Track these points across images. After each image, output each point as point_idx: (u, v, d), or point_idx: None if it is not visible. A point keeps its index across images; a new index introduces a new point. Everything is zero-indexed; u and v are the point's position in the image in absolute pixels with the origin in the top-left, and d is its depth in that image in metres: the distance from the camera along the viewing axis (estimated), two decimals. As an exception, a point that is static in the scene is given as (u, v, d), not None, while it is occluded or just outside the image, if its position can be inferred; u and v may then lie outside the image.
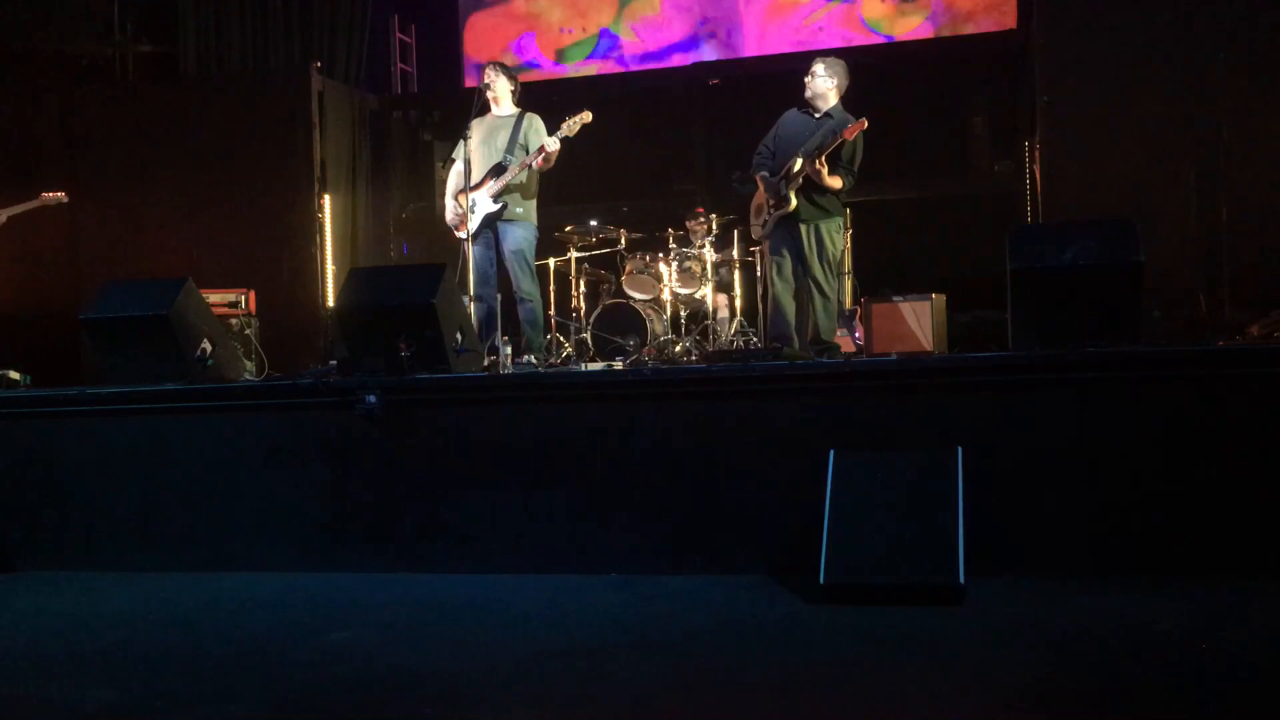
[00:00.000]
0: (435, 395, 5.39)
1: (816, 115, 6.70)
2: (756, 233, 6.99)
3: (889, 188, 9.16)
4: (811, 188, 6.56)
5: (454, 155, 7.04)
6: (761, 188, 6.78)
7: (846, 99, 6.77)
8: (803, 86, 6.74)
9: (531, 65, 10.92)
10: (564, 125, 6.89)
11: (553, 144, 6.85)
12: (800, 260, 6.67)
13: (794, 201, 6.55)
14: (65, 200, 7.96)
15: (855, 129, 6.41)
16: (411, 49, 11.42)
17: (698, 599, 4.56)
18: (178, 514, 5.57)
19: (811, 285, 6.64)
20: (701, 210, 8.69)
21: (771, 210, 6.68)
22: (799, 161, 6.51)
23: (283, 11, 10.64)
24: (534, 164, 6.88)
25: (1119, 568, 4.54)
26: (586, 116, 6.89)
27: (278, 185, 9.58)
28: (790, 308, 6.72)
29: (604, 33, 10.89)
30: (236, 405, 5.63)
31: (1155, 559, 4.52)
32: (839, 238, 6.81)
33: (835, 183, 6.50)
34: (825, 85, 6.69)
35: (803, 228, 6.61)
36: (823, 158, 6.40)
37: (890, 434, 4.84)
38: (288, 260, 9.53)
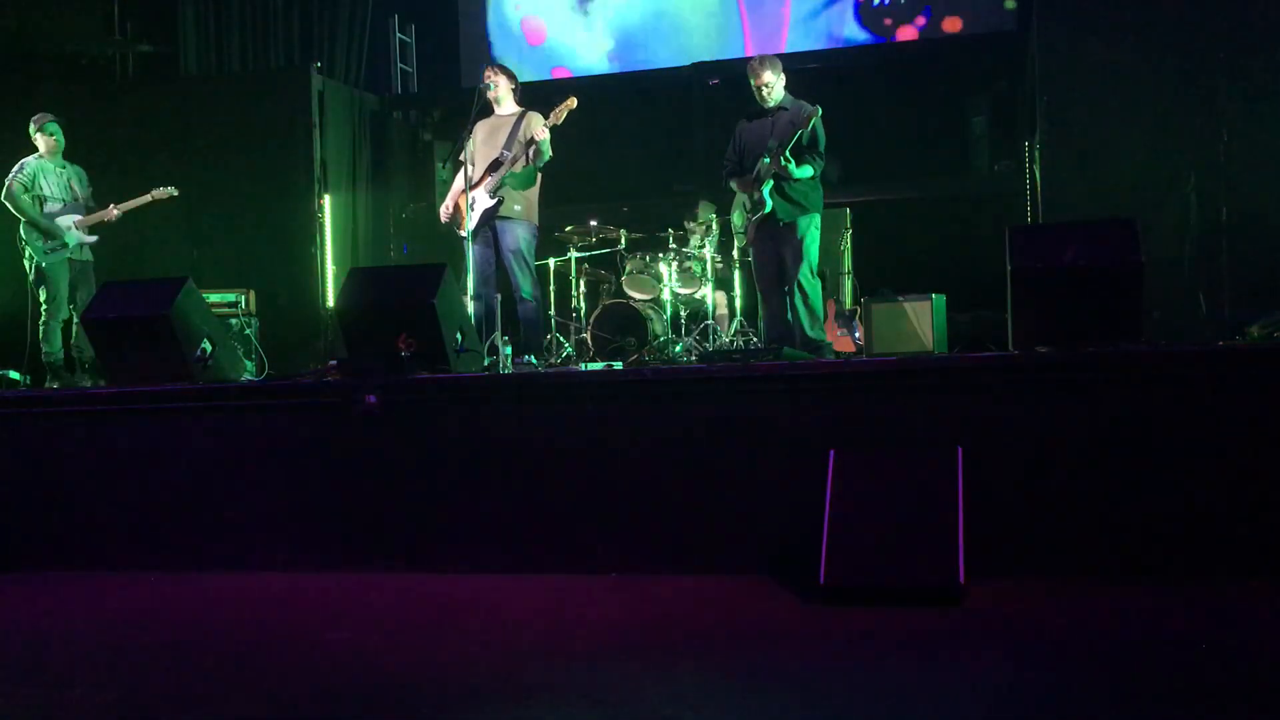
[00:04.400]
0: (435, 395, 5.38)
1: (770, 115, 6.74)
2: (741, 240, 7.03)
3: (889, 188, 9.16)
4: (785, 184, 6.59)
5: (461, 157, 7.05)
6: (739, 194, 6.83)
7: (797, 91, 6.82)
8: (761, 87, 6.77)
9: (531, 65, 10.91)
10: (551, 115, 6.91)
11: (542, 133, 6.86)
12: (780, 261, 6.70)
13: (770, 203, 6.59)
14: (176, 195, 8.02)
15: (810, 117, 6.46)
16: (411, 49, 11.42)
17: (698, 599, 4.56)
18: (178, 514, 5.57)
19: (793, 285, 6.66)
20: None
21: (749, 216, 6.72)
22: (765, 161, 6.55)
23: (283, 11, 10.66)
24: (528, 155, 6.88)
25: (1119, 568, 4.54)
26: (572, 102, 6.91)
27: (278, 185, 9.59)
28: (783, 309, 6.75)
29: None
30: (236, 405, 5.63)
31: (1155, 558, 4.52)
32: (818, 234, 6.82)
33: (805, 171, 6.55)
34: (771, 77, 6.74)
35: (783, 227, 6.64)
36: (786, 152, 6.45)
37: (890, 434, 4.83)
38: (288, 260, 9.53)
